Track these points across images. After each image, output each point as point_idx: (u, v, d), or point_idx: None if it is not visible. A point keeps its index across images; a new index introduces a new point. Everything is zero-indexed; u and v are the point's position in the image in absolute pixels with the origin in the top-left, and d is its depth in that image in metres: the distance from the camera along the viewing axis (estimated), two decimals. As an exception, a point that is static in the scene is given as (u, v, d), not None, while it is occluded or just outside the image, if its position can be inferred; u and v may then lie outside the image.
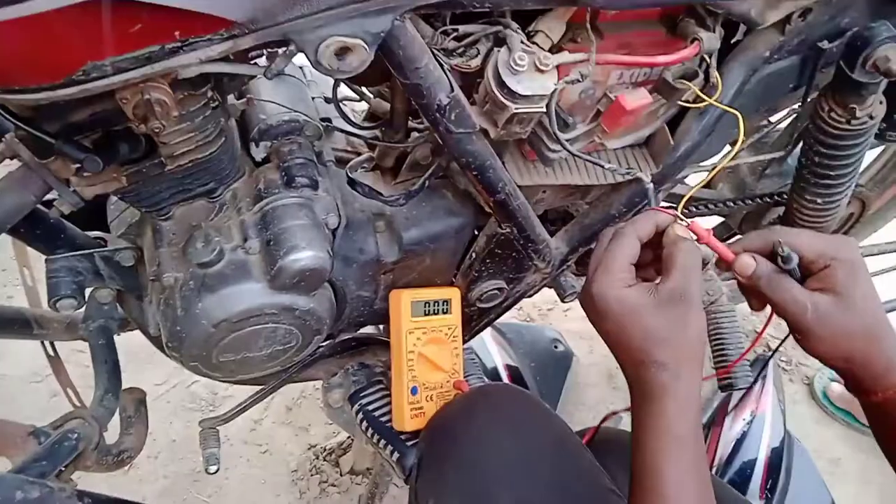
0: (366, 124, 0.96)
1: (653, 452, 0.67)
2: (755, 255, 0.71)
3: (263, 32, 0.58)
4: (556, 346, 1.73)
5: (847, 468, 1.69)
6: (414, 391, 0.95)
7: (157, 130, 0.64)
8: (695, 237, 0.72)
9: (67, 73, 0.51)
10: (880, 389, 0.69)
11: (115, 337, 0.98)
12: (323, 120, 0.94)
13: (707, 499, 0.66)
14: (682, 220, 0.72)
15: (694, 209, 1.29)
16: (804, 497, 1.57)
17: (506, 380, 1.63)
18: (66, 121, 0.65)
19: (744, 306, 1.96)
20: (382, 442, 0.99)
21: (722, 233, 1.56)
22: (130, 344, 1.03)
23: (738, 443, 1.60)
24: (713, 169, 0.86)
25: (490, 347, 1.65)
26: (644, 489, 0.67)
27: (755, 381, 1.66)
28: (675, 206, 0.93)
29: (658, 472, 0.66)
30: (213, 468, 0.97)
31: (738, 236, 1.55)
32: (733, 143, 1.10)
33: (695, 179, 1.05)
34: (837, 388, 1.78)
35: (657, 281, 0.70)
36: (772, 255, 0.71)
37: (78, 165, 0.66)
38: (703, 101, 0.81)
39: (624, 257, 0.70)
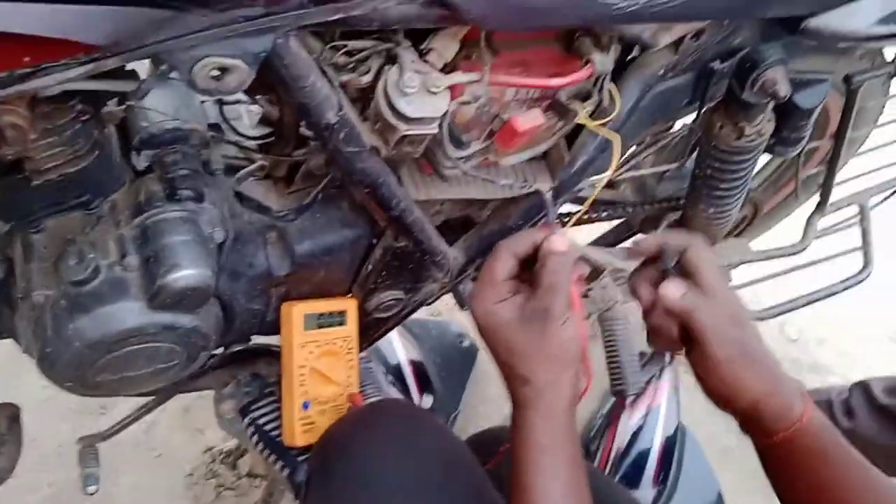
0: (257, 131, 0.92)
1: (519, 462, 0.70)
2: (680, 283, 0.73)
3: (130, 54, 0.54)
4: (461, 342, 1.73)
5: (735, 457, 1.76)
6: (305, 406, 0.93)
7: (10, 158, 0.59)
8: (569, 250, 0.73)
9: None
10: (780, 428, 0.70)
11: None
12: (211, 126, 0.89)
13: None
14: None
15: (595, 212, 1.30)
16: (694, 485, 1.63)
17: (409, 375, 1.62)
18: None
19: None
20: (272, 457, 0.96)
21: (622, 232, 1.59)
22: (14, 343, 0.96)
23: (634, 435, 1.65)
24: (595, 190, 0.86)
25: (395, 342, 1.64)
26: (514, 498, 0.70)
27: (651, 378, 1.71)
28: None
29: (524, 482, 0.69)
30: (91, 488, 0.93)
31: (639, 236, 1.58)
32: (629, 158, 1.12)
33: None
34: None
35: (527, 295, 0.72)
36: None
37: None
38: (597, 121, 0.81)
39: (497, 273, 0.72)
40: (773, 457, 0.74)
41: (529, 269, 0.74)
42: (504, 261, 0.73)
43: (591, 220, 1.23)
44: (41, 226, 0.79)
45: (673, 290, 0.72)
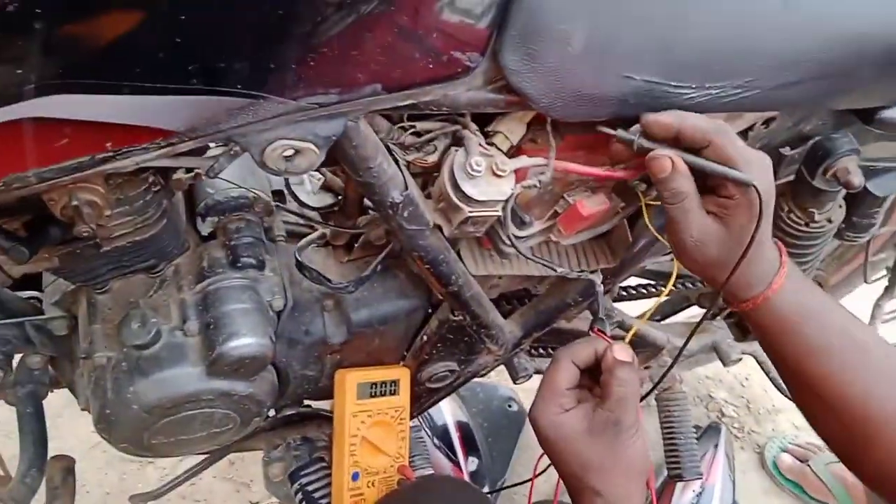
0: (318, 198, 0.93)
1: None
2: (678, 153, 0.67)
3: (205, 138, 0.55)
4: (509, 406, 1.71)
5: (792, 540, 1.69)
6: (355, 477, 0.92)
7: (85, 234, 0.60)
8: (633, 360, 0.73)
9: (-15, 185, 0.48)
10: (750, 298, 0.71)
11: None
12: (275, 193, 0.91)
13: None
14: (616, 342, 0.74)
15: (653, 286, 1.28)
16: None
17: (455, 438, 1.60)
18: (-9, 206, 0.62)
19: (699, 369, 1.94)
20: (320, 526, 0.95)
21: (679, 304, 1.56)
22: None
23: (688, 513, 1.59)
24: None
25: (442, 404, 1.62)
26: None
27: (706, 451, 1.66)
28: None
29: None
30: (141, 547, 0.93)
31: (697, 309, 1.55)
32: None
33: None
34: (787, 459, 1.78)
35: (594, 404, 0.72)
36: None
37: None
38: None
39: (560, 383, 0.72)
40: (750, 322, 0.75)
41: (589, 377, 0.75)
42: (566, 370, 0.73)
43: (649, 295, 1.21)
44: (107, 287, 0.81)
45: None
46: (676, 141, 0.67)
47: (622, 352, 0.72)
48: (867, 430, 0.68)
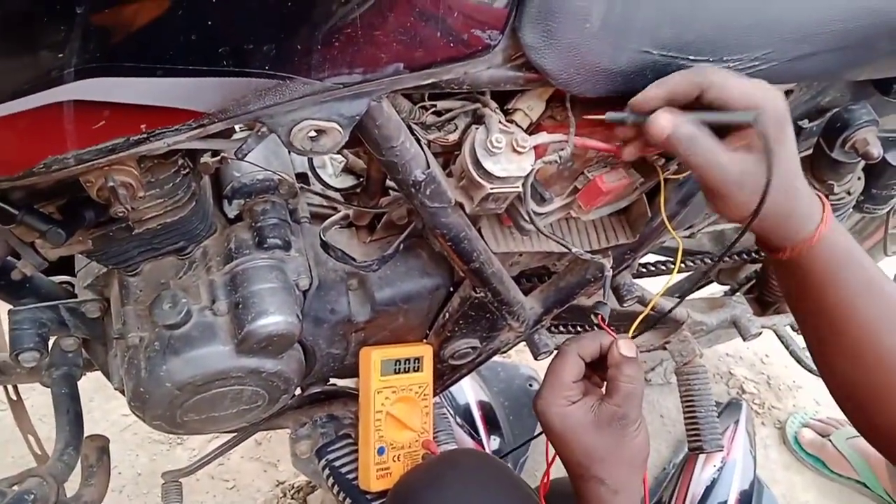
0: (341, 180, 0.94)
1: None
2: (672, 109, 0.65)
3: (235, 119, 0.57)
4: (530, 385, 1.72)
5: (814, 515, 1.69)
6: (381, 451, 0.94)
7: (121, 214, 0.62)
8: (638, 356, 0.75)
9: (26, 167, 0.50)
10: (788, 247, 0.70)
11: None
12: (298, 176, 0.92)
13: None
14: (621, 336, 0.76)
15: (671, 264, 1.28)
16: (771, 543, 1.58)
17: (477, 417, 1.62)
18: (29, 189, 0.64)
19: (719, 347, 1.94)
20: (348, 500, 0.97)
21: (697, 280, 1.56)
22: (99, 373, 1.01)
23: (709, 488, 1.60)
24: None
25: (463, 383, 1.64)
26: None
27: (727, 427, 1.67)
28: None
29: None
30: (174, 523, 0.96)
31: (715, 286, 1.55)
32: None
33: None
34: (808, 434, 1.78)
35: (600, 397, 0.74)
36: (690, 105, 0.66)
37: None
38: (682, 173, 0.81)
39: (566, 376, 0.74)
40: (782, 271, 0.74)
41: (594, 370, 0.78)
42: (572, 364, 0.75)
43: (668, 272, 1.21)
44: (138, 269, 0.83)
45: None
46: (673, 106, 0.66)
47: (627, 347, 0.74)
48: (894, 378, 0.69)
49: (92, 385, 1.50)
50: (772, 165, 0.63)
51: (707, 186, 0.68)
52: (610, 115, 0.70)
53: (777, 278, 0.77)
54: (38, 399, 1.29)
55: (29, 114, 0.46)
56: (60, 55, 0.44)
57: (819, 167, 0.91)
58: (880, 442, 0.73)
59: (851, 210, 0.99)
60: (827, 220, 0.70)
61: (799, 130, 0.88)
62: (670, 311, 0.80)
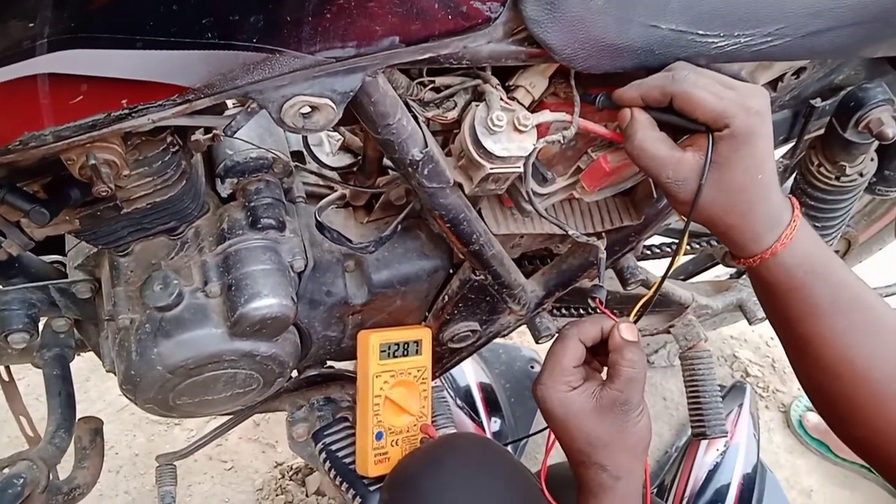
0: (337, 159, 0.92)
1: None
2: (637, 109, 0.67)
3: (222, 94, 0.54)
4: (532, 367, 1.70)
5: (818, 499, 1.68)
6: (379, 436, 0.93)
7: (104, 193, 0.59)
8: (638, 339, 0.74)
9: (1, 145, 0.47)
10: (748, 256, 0.69)
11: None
12: (294, 154, 0.90)
13: None
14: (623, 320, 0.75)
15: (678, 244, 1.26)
16: (774, 527, 1.57)
17: (478, 398, 1.61)
18: (10, 167, 0.61)
19: (723, 329, 1.93)
20: (345, 485, 0.96)
21: (704, 262, 1.54)
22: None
23: (711, 472, 1.59)
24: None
25: (464, 365, 1.62)
26: None
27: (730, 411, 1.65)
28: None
29: None
30: (168, 506, 0.94)
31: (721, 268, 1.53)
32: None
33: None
34: (813, 418, 1.77)
35: (601, 382, 0.72)
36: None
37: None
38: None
39: (567, 360, 0.72)
40: (755, 279, 0.72)
41: (595, 354, 0.76)
42: (573, 349, 0.73)
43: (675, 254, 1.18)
44: (129, 249, 0.81)
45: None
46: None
47: (629, 331, 0.72)
48: (868, 391, 0.66)
49: (88, 365, 1.49)
50: (706, 170, 0.64)
51: (651, 178, 0.70)
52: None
53: (753, 286, 0.75)
54: (35, 378, 1.27)
55: (1, 87, 0.44)
56: (31, 24, 0.41)
57: (831, 147, 0.88)
58: (864, 453, 0.70)
59: (862, 192, 0.97)
60: (795, 228, 0.67)
61: (811, 109, 0.85)
62: (656, 289, 0.77)
